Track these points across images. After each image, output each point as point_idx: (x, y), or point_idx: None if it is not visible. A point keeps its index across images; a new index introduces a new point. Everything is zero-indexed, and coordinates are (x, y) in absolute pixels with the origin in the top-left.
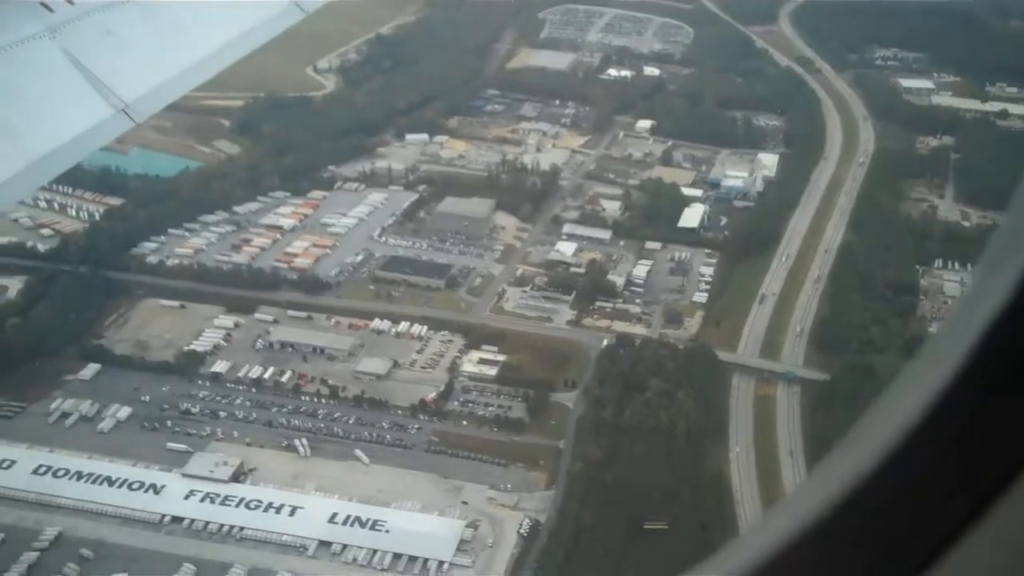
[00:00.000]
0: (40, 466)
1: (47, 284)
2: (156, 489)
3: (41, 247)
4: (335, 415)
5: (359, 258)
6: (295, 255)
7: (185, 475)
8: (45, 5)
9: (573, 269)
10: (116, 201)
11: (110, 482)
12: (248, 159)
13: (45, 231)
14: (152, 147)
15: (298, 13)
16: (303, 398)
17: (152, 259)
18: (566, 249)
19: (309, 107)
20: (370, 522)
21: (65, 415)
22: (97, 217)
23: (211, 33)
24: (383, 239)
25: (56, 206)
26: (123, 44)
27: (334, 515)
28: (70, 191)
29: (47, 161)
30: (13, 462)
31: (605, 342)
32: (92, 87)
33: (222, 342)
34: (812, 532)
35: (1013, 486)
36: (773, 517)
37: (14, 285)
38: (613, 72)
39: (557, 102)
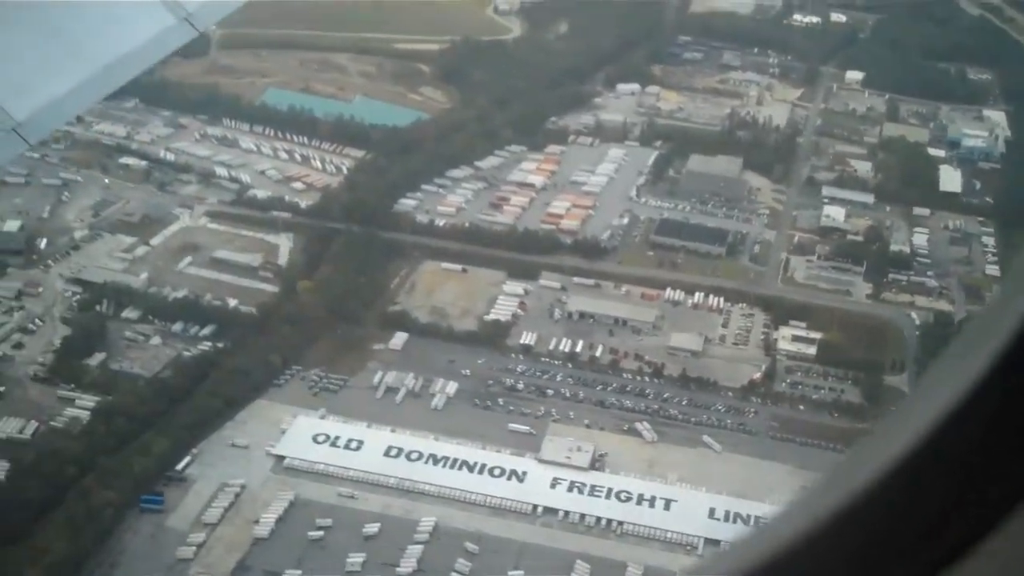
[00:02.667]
0: (390, 447)
1: (321, 243)
2: (518, 476)
3: (300, 202)
4: (665, 395)
5: (625, 220)
6: (559, 216)
7: (542, 461)
8: None
9: (850, 236)
10: (356, 152)
11: (468, 467)
12: (469, 109)
13: (296, 185)
14: (366, 91)
15: None
16: (624, 375)
17: (419, 217)
18: (836, 214)
19: (505, 52)
20: (752, 519)
21: (391, 389)
22: (344, 170)
23: None
24: (642, 200)
25: (298, 157)
26: None
27: (712, 510)
28: (306, 141)
29: (113, 69)
30: (360, 442)
31: (916, 319)
32: None
33: (519, 311)
34: (823, 533)
35: None
36: (785, 515)
37: (283, 244)
38: (799, 17)
39: (755, 50)
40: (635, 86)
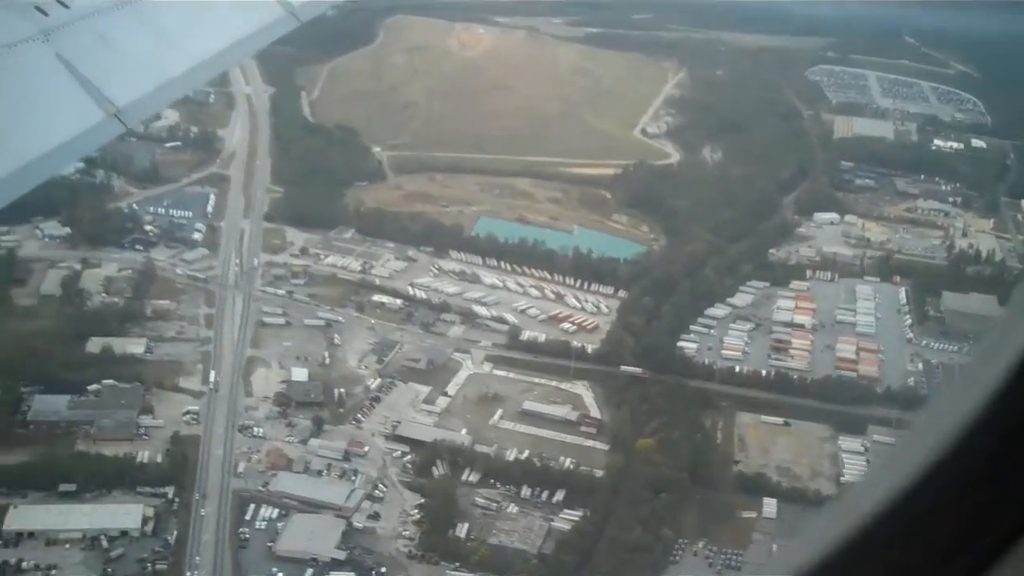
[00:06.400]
0: None
1: (622, 393)
2: None
3: (579, 345)
4: None
5: (919, 365)
6: (852, 361)
7: None
8: (39, 9)
9: None
10: (603, 288)
11: None
12: (687, 241)
13: (565, 326)
14: (563, 219)
15: (293, 22)
16: None
17: (709, 362)
18: None
19: (677, 177)
20: None
21: None
22: (603, 308)
23: (205, 40)
24: (922, 342)
25: (550, 294)
26: (117, 48)
27: None
28: (547, 275)
29: (36, 165)
30: None
31: None
32: (84, 91)
33: None
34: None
35: None
36: (825, 522)
37: (584, 393)
38: (940, 143)
39: (922, 176)
40: (834, 215)
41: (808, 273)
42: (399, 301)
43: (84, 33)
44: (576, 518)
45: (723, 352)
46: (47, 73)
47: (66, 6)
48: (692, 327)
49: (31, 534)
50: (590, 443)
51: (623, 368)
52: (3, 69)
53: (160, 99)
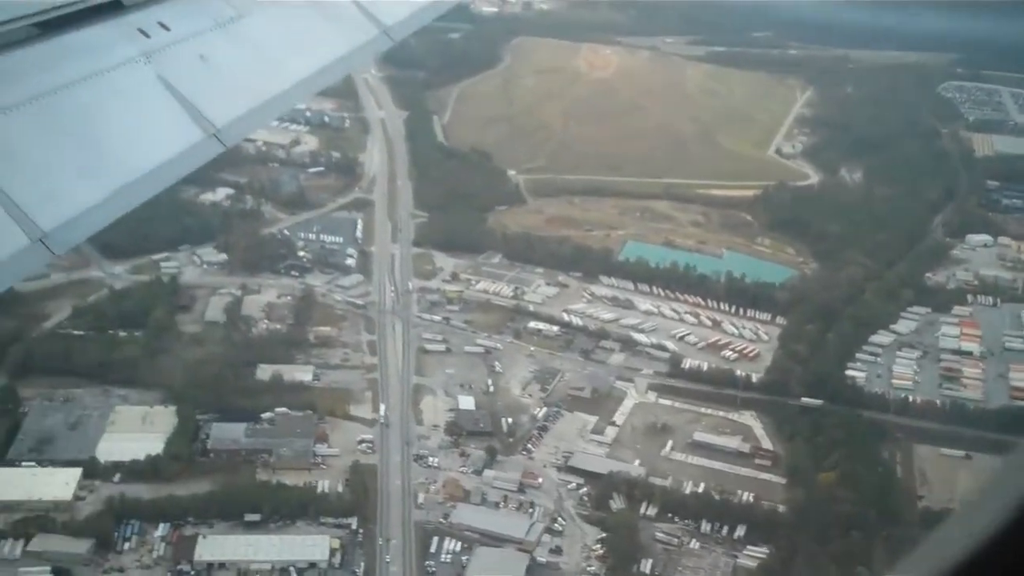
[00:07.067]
0: None
1: (794, 424)
2: None
3: (744, 374)
4: None
5: None
6: None
7: None
8: (142, 31)
9: None
10: (760, 314)
11: None
12: (840, 265)
13: (726, 353)
14: (709, 242)
15: (386, 42)
16: None
17: (879, 392)
18: None
19: (819, 198)
20: None
21: None
22: (762, 335)
23: (301, 60)
24: None
25: (706, 320)
26: (215, 69)
27: None
28: (701, 301)
29: (139, 184)
30: None
31: None
32: (185, 112)
33: None
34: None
35: None
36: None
37: (754, 424)
38: None
39: None
40: (987, 237)
41: (969, 298)
42: (555, 328)
43: (184, 54)
44: (762, 555)
45: (893, 381)
46: (149, 94)
47: (167, 28)
48: (857, 355)
49: (222, 565)
50: (766, 476)
51: (793, 398)
52: (108, 90)
53: (258, 119)
